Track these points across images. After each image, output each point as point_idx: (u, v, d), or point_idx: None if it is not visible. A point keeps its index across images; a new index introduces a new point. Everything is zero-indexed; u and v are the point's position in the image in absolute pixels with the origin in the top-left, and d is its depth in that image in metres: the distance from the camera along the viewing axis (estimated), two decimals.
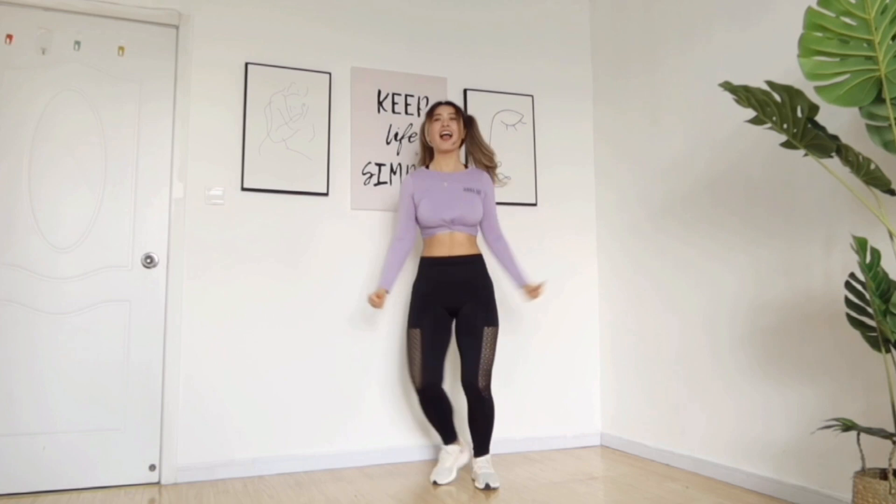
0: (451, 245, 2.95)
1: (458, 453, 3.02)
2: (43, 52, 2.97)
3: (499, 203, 3.63)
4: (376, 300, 2.93)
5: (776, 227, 2.69)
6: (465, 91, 3.64)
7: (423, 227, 3.00)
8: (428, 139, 3.08)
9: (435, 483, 2.89)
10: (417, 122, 3.52)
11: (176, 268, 3.05)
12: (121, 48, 3.09)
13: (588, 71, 3.94)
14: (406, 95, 3.52)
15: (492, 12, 3.77)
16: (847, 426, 1.94)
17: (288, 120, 3.28)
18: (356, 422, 3.28)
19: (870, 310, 1.99)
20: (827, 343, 2.47)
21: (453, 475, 2.96)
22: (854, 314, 2.05)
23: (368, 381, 3.32)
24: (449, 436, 3.01)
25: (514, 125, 3.73)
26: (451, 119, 3.00)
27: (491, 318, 2.93)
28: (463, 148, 3.21)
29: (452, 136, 3.00)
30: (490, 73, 3.72)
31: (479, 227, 3.07)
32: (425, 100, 3.55)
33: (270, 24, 3.31)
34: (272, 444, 3.13)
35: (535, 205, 3.73)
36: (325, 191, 3.31)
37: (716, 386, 2.97)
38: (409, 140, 3.50)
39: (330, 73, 3.37)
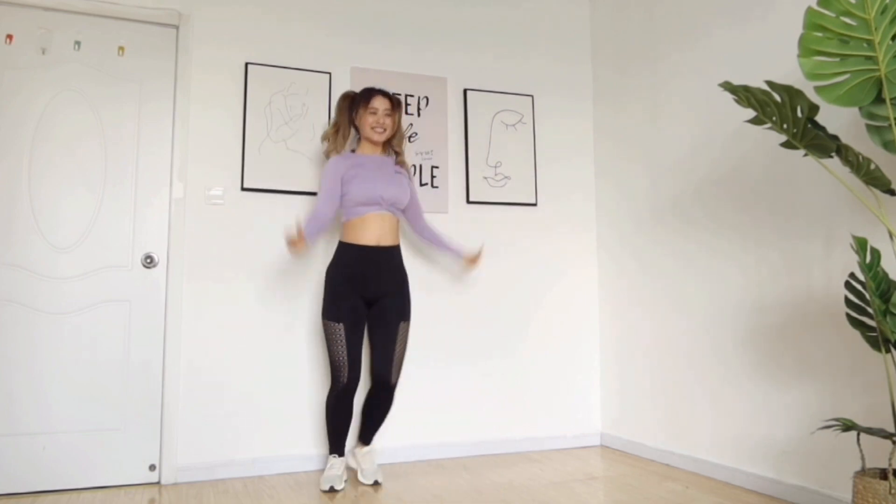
0: (381, 230, 2.88)
1: (343, 463, 2.93)
2: (43, 52, 2.97)
3: (498, 203, 3.64)
4: (296, 243, 2.72)
5: (776, 227, 2.69)
6: (465, 91, 3.64)
7: (353, 206, 2.87)
8: (357, 125, 3.00)
9: (332, 489, 2.79)
10: (417, 122, 3.52)
11: (176, 268, 3.04)
12: (121, 48, 3.09)
13: (588, 70, 3.94)
14: (406, 95, 3.51)
15: (492, 12, 3.77)
16: (847, 426, 1.94)
17: (288, 120, 3.28)
18: (356, 422, 3.28)
19: (870, 310, 1.99)
20: (827, 343, 2.47)
21: (346, 478, 2.91)
22: (854, 314, 2.05)
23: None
24: (343, 446, 2.92)
25: (514, 125, 3.73)
26: (387, 116, 2.96)
27: (406, 313, 2.95)
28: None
29: (386, 132, 2.97)
30: (490, 73, 3.72)
31: (403, 215, 3.05)
32: (425, 100, 3.54)
33: (270, 24, 3.31)
34: (272, 444, 3.13)
35: (534, 204, 3.73)
36: None
37: (716, 386, 2.97)
38: (410, 140, 3.50)
39: (330, 74, 3.37)
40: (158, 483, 2.95)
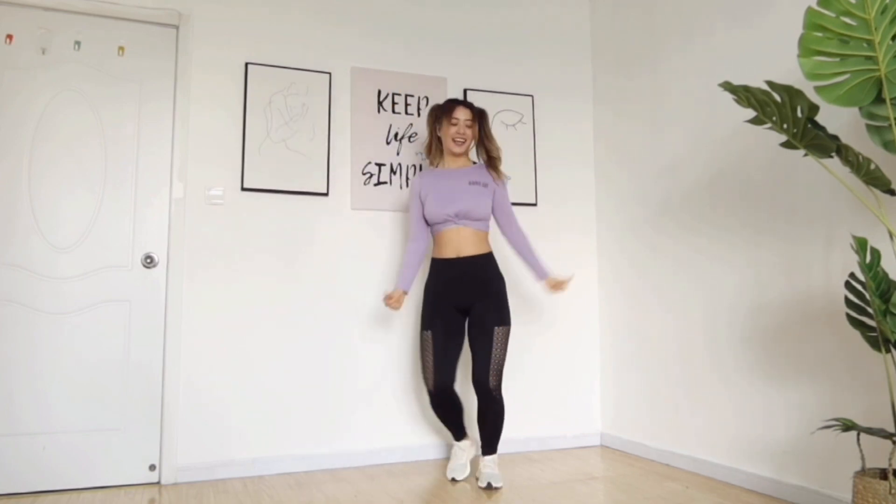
0: (458, 244, 2.92)
1: (469, 447, 3.08)
2: (43, 52, 2.97)
3: None
4: (393, 302, 2.92)
5: (776, 227, 2.69)
6: (465, 91, 3.64)
7: (432, 225, 2.98)
8: (440, 137, 3.04)
9: (454, 480, 2.94)
10: (417, 122, 3.52)
11: (176, 268, 3.04)
12: (121, 48, 3.09)
13: (588, 71, 3.94)
14: (406, 95, 3.52)
15: (492, 12, 3.77)
16: (847, 426, 1.94)
17: (288, 120, 3.28)
18: (356, 422, 3.28)
19: (870, 310, 1.99)
20: (827, 343, 2.47)
21: (468, 470, 3.02)
22: (854, 314, 2.05)
23: (368, 380, 3.32)
24: (460, 433, 3.07)
25: (514, 125, 3.73)
26: (468, 127, 2.98)
27: (502, 318, 2.94)
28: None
29: (466, 142, 3.00)
30: (490, 73, 3.72)
31: (490, 223, 3.03)
32: (425, 100, 3.54)
33: (270, 24, 3.31)
34: (272, 444, 3.13)
35: (535, 205, 3.73)
36: (324, 191, 3.31)
37: (716, 386, 2.97)
38: (410, 140, 3.50)
39: (330, 73, 3.37)
40: (158, 483, 2.95)
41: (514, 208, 3.64)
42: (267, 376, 3.15)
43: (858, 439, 2.02)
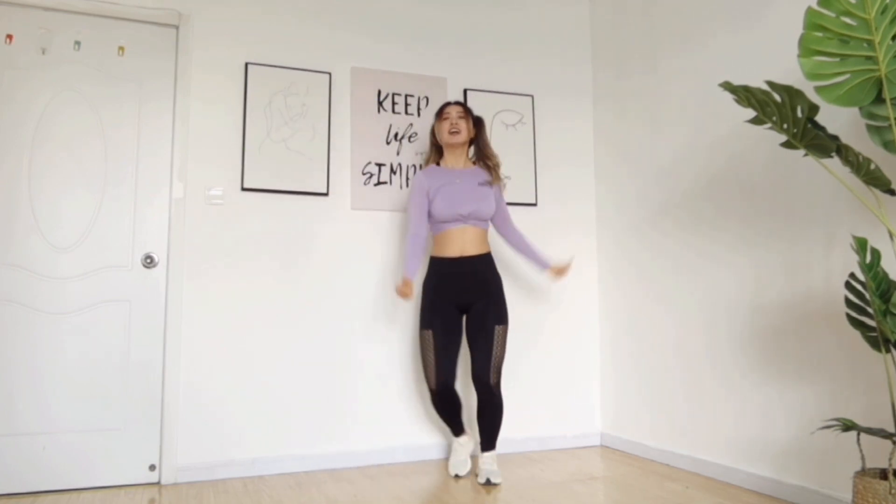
0: (462, 243, 2.99)
1: (467, 443, 3.13)
2: (43, 52, 2.97)
3: None
4: (405, 289, 2.95)
5: (776, 227, 2.69)
6: (465, 91, 3.64)
7: (436, 223, 3.02)
8: (438, 137, 3.13)
9: (457, 476, 2.99)
10: (417, 122, 3.52)
11: (176, 268, 3.04)
12: (121, 48, 3.09)
13: (588, 71, 3.94)
14: (406, 95, 3.52)
15: (492, 12, 3.77)
16: (847, 426, 1.94)
17: (288, 120, 3.28)
18: (356, 422, 3.28)
19: (870, 310, 1.99)
20: (827, 343, 2.47)
21: (469, 465, 3.08)
22: (854, 314, 2.05)
23: (368, 380, 3.32)
24: (459, 428, 3.12)
25: (514, 125, 3.73)
26: (460, 118, 3.07)
27: (502, 317, 3.00)
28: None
29: (461, 133, 3.05)
30: (490, 73, 3.72)
31: (489, 222, 3.12)
32: (425, 100, 3.55)
33: (270, 24, 3.31)
34: (272, 444, 3.13)
35: (535, 205, 3.73)
36: (325, 191, 3.31)
37: (716, 386, 2.97)
38: (410, 140, 3.50)
39: (330, 73, 3.37)
40: (158, 483, 2.95)
41: (515, 208, 3.67)
42: (267, 376, 3.15)
43: (858, 439, 2.02)
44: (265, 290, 3.18)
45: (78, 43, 3.02)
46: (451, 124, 3.05)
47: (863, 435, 2.17)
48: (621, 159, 3.65)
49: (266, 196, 3.22)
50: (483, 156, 3.14)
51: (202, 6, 3.19)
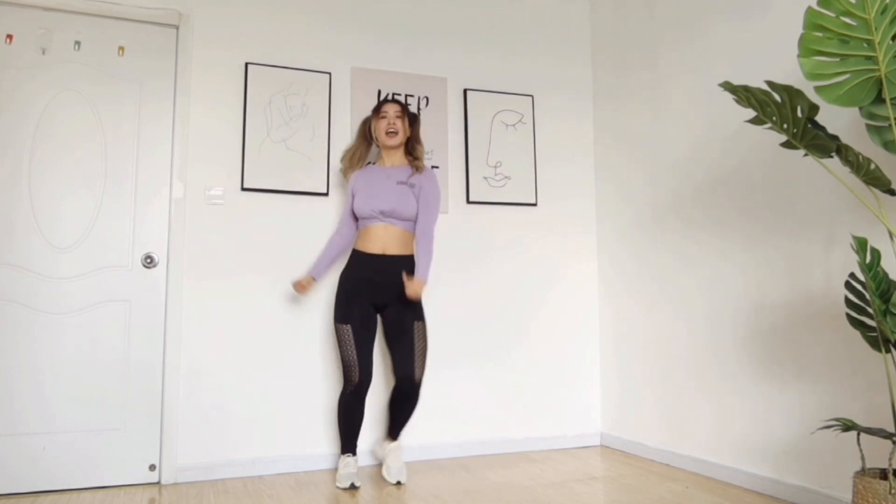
0: (384, 240, 2.97)
1: (355, 463, 2.93)
2: (43, 52, 2.97)
3: (499, 203, 3.63)
4: (301, 287, 3.01)
5: (776, 226, 2.69)
6: (465, 91, 3.64)
7: (360, 219, 3.02)
8: (374, 135, 3.11)
9: (353, 486, 2.81)
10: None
11: (176, 268, 3.04)
12: (121, 48, 3.09)
13: (588, 70, 3.94)
14: (406, 95, 3.52)
15: (492, 12, 3.76)
16: (847, 426, 1.94)
17: (288, 120, 3.28)
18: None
19: (870, 310, 1.99)
20: (827, 343, 2.47)
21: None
22: (854, 314, 2.05)
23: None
24: (354, 445, 2.96)
25: (514, 125, 3.73)
26: (397, 117, 3.05)
27: (419, 315, 2.99)
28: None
29: (398, 134, 3.05)
30: (490, 73, 3.72)
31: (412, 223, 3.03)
32: (425, 100, 3.54)
33: (270, 24, 3.31)
34: (272, 444, 3.13)
35: (535, 205, 3.73)
36: (325, 191, 3.31)
37: (716, 386, 2.97)
38: None
39: (330, 73, 3.37)
40: (158, 483, 2.95)
41: (515, 208, 3.67)
42: (267, 376, 3.15)
43: (858, 439, 2.02)
44: (265, 290, 3.18)
45: (78, 43, 3.02)
46: (389, 123, 3.03)
47: (863, 435, 2.17)
48: (621, 158, 3.65)
49: (266, 196, 3.22)
50: (410, 149, 3.10)
51: (202, 6, 3.19)
